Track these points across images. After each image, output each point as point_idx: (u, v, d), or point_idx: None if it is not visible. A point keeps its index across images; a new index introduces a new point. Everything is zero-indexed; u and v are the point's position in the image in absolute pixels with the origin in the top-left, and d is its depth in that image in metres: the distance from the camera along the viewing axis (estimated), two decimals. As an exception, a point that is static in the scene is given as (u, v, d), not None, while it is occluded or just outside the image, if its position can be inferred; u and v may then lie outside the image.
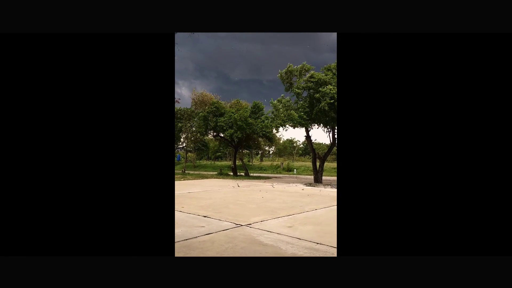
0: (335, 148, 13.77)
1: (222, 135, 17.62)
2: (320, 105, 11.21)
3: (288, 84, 12.79)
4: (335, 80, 11.56)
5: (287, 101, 12.53)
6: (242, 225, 4.05)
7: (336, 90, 10.98)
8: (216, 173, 19.30)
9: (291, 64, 12.66)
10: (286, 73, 12.67)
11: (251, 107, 17.11)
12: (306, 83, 11.86)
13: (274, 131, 16.96)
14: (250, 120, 15.78)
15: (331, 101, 11.07)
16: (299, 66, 12.50)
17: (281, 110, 12.36)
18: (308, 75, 11.92)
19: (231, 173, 18.88)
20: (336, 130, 13.22)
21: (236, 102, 17.78)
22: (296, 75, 12.51)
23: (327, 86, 11.17)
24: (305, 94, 12.31)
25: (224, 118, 15.98)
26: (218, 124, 15.94)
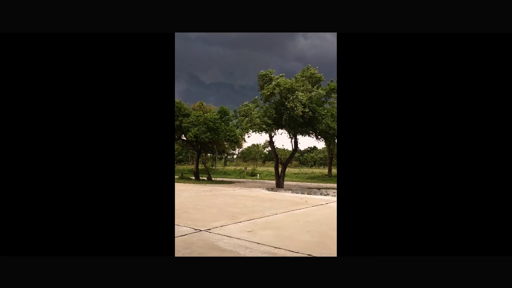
0: (297, 154, 14.10)
1: (184, 138, 17.17)
2: (295, 111, 11.25)
3: (261, 86, 12.92)
4: (304, 87, 11.79)
5: (250, 108, 12.52)
6: (201, 230, 3.96)
7: (306, 97, 11.23)
8: (177, 177, 18.73)
9: (272, 70, 12.83)
10: (265, 75, 12.80)
11: (218, 111, 16.91)
12: (273, 89, 11.90)
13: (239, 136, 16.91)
14: (218, 125, 15.58)
15: (306, 109, 11.25)
16: (279, 75, 12.61)
17: (244, 120, 12.33)
18: (273, 82, 12.00)
19: (193, 178, 18.47)
20: (298, 137, 13.58)
21: (199, 104, 17.43)
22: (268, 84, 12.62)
23: (297, 93, 11.33)
24: (272, 100, 12.42)
25: (190, 118, 15.55)
26: (183, 124, 15.45)
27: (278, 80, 11.84)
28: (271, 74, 12.65)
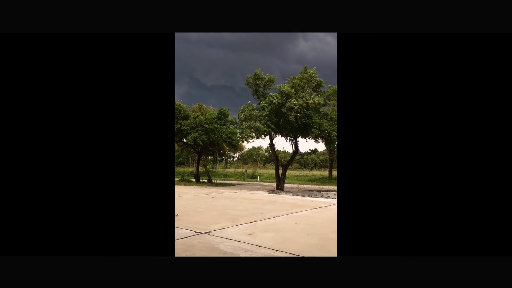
0: (297, 156, 14.07)
1: (184, 140, 17.17)
2: (289, 117, 11.31)
3: (254, 90, 12.94)
4: (299, 93, 11.80)
5: (251, 110, 12.52)
6: (201, 233, 3.96)
7: (299, 103, 11.26)
8: (177, 179, 18.70)
9: (258, 70, 12.80)
10: (253, 79, 12.83)
11: (217, 113, 16.93)
12: (270, 98, 11.88)
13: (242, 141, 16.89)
14: (215, 125, 15.58)
15: (298, 114, 11.31)
16: (266, 75, 12.68)
17: (244, 124, 12.31)
18: (267, 99, 11.97)
19: (194, 180, 18.45)
20: (298, 140, 13.57)
21: (198, 106, 17.46)
22: (260, 86, 12.66)
23: (291, 101, 11.39)
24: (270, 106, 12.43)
25: (188, 121, 15.59)
26: (182, 127, 15.48)
27: (272, 99, 11.70)
28: (256, 78, 12.56)
